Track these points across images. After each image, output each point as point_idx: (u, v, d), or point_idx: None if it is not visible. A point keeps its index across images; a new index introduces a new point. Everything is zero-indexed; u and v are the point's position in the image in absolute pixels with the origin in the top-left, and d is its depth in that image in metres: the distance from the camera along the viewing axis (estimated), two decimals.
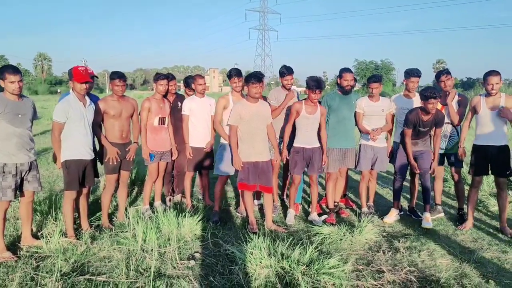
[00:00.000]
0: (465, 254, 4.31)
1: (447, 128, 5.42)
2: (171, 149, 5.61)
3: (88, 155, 4.54)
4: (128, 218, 4.76)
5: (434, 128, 5.18)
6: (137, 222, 4.47)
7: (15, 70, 3.98)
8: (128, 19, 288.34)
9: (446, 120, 5.39)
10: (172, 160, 5.75)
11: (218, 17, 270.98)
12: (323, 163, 5.33)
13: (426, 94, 4.95)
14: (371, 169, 5.61)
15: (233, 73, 5.28)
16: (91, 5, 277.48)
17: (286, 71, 5.56)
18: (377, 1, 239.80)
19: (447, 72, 5.46)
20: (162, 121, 5.42)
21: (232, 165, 4.99)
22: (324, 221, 5.33)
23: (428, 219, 5.29)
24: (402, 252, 4.33)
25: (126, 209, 5.15)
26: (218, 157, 5.38)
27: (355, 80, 5.64)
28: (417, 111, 5.13)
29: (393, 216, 5.45)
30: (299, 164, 5.22)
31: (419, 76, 5.53)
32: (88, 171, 4.59)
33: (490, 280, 3.73)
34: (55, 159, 4.66)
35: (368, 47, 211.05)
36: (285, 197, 6.18)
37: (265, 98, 5.51)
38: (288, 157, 5.31)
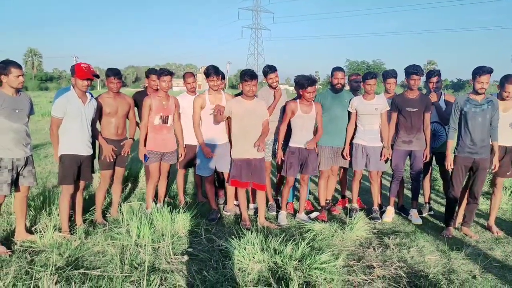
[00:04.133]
0: (453, 250, 4.42)
1: (436, 127, 5.53)
2: (177, 149, 5.40)
3: (85, 151, 4.56)
4: (122, 214, 4.80)
5: (423, 113, 5.29)
6: (131, 218, 4.51)
7: (18, 64, 4.06)
8: (120, 16, 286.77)
9: (435, 119, 5.50)
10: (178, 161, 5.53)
11: (211, 15, 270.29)
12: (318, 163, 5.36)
13: (409, 70, 5.19)
14: (367, 169, 5.55)
15: (212, 71, 5.08)
16: (83, 1, 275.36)
17: (269, 69, 5.51)
18: (369, 2, 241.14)
19: (438, 74, 5.56)
20: (164, 119, 5.19)
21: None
22: (316, 218, 5.41)
23: (417, 215, 5.43)
24: (392, 249, 4.42)
25: (119, 205, 5.19)
26: (198, 157, 5.29)
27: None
28: (402, 93, 5.39)
29: (390, 214, 5.53)
30: (294, 166, 5.22)
31: (395, 77, 5.64)
32: (84, 167, 4.61)
33: (477, 276, 3.84)
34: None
35: (359, 47, 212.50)
36: (278, 198, 6.10)
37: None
38: (283, 158, 5.32)
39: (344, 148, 5.51)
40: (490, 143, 4.84)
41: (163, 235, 4.43)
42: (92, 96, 4.65)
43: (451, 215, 5.07)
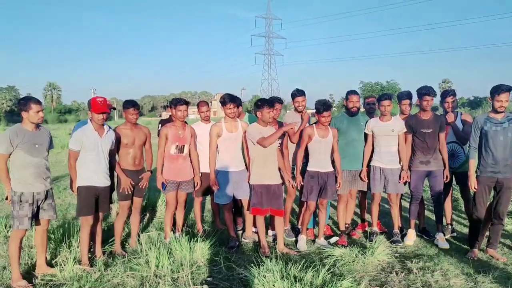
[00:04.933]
0: (479, 273, 4.28)
1: (454, 147, 5.45)
2: (193, 178, 5.41)
3: (102, 183, 4.60)
4: (141, 244, 4.80)
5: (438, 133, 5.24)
6: (150, 248, 4.51)
7: (38, 100, 4.19)
8: (135, 47, 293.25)
9: (453, 139, 5.44)
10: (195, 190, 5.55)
11: (224, 43, 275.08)
12: (338, 186, 5.31)
13: (421, 91, 5.19)
14: (385, 191, 5.48)
15: (227, 100, 5.14)
16: (99, 34, 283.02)
17: (297, 92, 5.62)
18: (382, 23, 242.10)
19: (453, 94, 5.54)
20: (180, 149, 5.25)
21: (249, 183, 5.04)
22: (336, 243, 5.32)
23: (443, 239, 5.29)
24: (415, 273, 4.31)
25: (138, 235, 5.19)
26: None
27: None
28: (415, 114, 5.39)
29: (412, 236, 5.41)
30: (315, 190, 5.18)
31: (410, 98, 5.64)
32: (102, 198, 4.65)
33: None
34: (71, 185, 4.74)
35: (373, 68, 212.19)
36: (299, 225, 5.89)
37: (281, 123, 5.54)
38: (302, 183, 5.28)
39: (362, 171, 5.47)
40: None
41: (182, 265, 4.40)
42: (109, 128, 4.74)
43: (475, 236, 4.94)
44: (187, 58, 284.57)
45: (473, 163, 4.87)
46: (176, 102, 5.27)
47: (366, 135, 5.49)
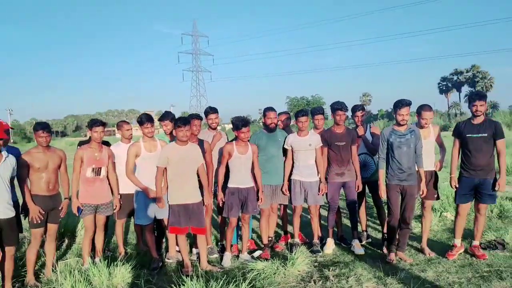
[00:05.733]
0: (388, 276, 4.58)
1: (365, 158, 5.83)
2: (112, 200, 5.28)
3: (3, 214, 4.26)
4: (56, 273, 4.58)
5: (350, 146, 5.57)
6: (66, 277, 4.31)
7: None
8: (58, 64, 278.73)
9: (364, 151, 5.81)
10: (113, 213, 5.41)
11: (152, 60, 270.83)
12: (260, 201, 5.43)
13: (335, 106, 5.52)
14: (306, 203, 5.68)
15: (144, 119, 5.16)
16: (16, 50, 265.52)
17: (210, 110, 5.74)
18: (308, 40, 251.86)
19: (362, 108, 5.94)
20: (97, 171, 5.12)
21: (156, 203, 4.99)
22: (259, 257, 5.43)
23: (359, 246, 5.59)
24: (332, 280, 4.52)
25: (54, 264, 4.94)
26: (136, 206, 5.26)
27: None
28: (329, 128, 5.69)
29: (330, 245, 5.65)
30: (235, 207, 5.26)
31: (322, 113, 5.94)
32: (6, 231, 4.30)
33: None
34: None
35: (299, 84, 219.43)
36: (224, 242, 5.88)
37: (201, 141, 5.50)
38: (223, 200, 5.35)
39: (283, 185, 5.65)
40: (417, 170, 5.16)
41: None
42: (8, 153, 4.41)
43: (392, 240, 5.27)
44: (113, 75, 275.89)
45: (382, 173, 5.24)
46: (92, 123, 5.15)
47: (285, 150, 5.70)
